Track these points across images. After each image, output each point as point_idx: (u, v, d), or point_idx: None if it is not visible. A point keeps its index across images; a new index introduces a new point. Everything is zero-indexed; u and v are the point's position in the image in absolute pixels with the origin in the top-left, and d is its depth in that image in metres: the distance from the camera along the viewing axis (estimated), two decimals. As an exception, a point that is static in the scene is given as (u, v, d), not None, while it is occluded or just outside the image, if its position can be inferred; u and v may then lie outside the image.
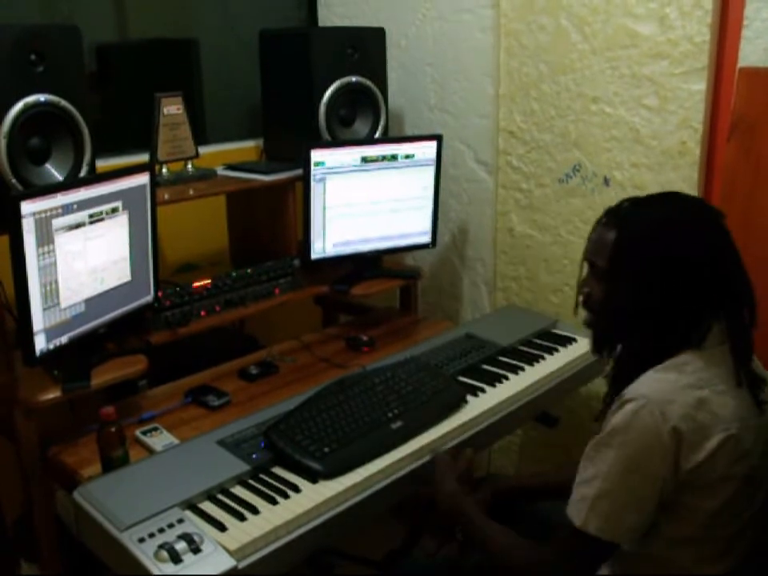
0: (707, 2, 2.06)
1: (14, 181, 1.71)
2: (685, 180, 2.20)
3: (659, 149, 2.23)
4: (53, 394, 1.74)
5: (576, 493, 1.36)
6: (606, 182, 2.37)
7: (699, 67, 2.12)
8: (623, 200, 1.46)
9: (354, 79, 2.45)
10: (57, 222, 1.66)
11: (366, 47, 2.47)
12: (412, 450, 1.73)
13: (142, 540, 1.38)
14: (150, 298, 2.02)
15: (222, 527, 1.45)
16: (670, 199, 1.44)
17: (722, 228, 1.38)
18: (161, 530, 1.41)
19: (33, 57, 1.73)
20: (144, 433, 1.82)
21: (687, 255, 1.34)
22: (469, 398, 1.94)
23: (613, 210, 1.45)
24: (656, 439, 1.27)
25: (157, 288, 2.03)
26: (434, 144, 2.46)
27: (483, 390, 2.00)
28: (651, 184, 2.26)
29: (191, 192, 2.21)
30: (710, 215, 1.39)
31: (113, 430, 1.64)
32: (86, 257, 1.77)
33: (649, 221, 1.39)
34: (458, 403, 1.91)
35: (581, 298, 1.53)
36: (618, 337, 1.47)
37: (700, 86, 2.13)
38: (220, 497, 1.55)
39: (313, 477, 1.61)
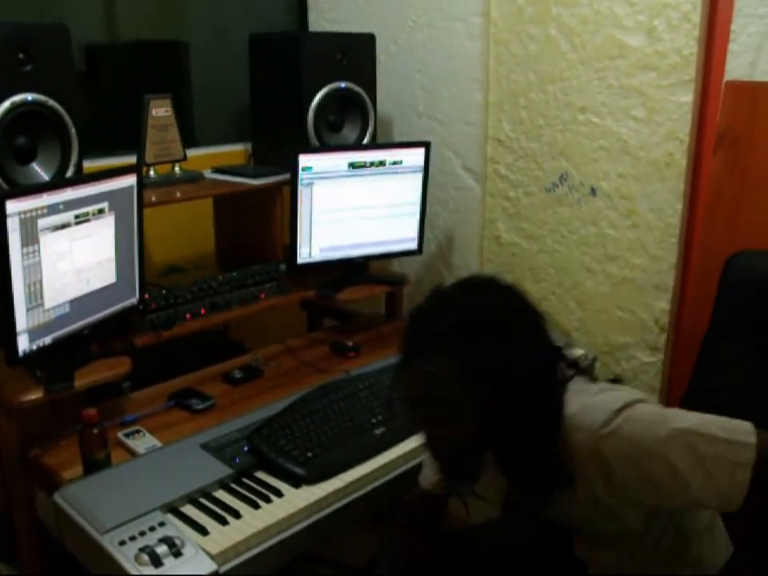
0: (695, 15, 2.07)
1: (-1, 180, 1.71)
2: (671, 191, 2.21)
3: (646, 159, 2.25)
4: (35, 395, 1.73)
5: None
6: (593, 191, 2.38)
7: (686, 79, 2.13)
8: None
9: (343, 85, 2.45)
10: (42, 222, 1.65)
11: (355, 53, 2.47)
12: (395, 456, 1.73)
13: (122, 543, 1.38)
14: (135, 300, 2.01)
15: (203, 531, 1.45)
16: None
17: None
18: (142, 534, 1.40)
19: (21, 55, 1.73)
20: (127, 435, 1.81)
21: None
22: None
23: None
24: None
25: (142, 290, 2.02)
26: (422, 151, 2.47)
27: (467, 397, 2.00)
28: (638, 195, 2.27)
29: (178, 194, 2.21)
30: None
31: (95, 431, 1.63)
32: (71, 257, 1.76)
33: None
34: (442, 410, 1.91)
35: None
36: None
37: (687, 98, 2.14)
38: (202, 500, 1.55)
39: (295, 481, 1.61)
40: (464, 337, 1.22)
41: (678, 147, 2.18)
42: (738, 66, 2.05)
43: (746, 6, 2.01)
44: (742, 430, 1.18)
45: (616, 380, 1.46)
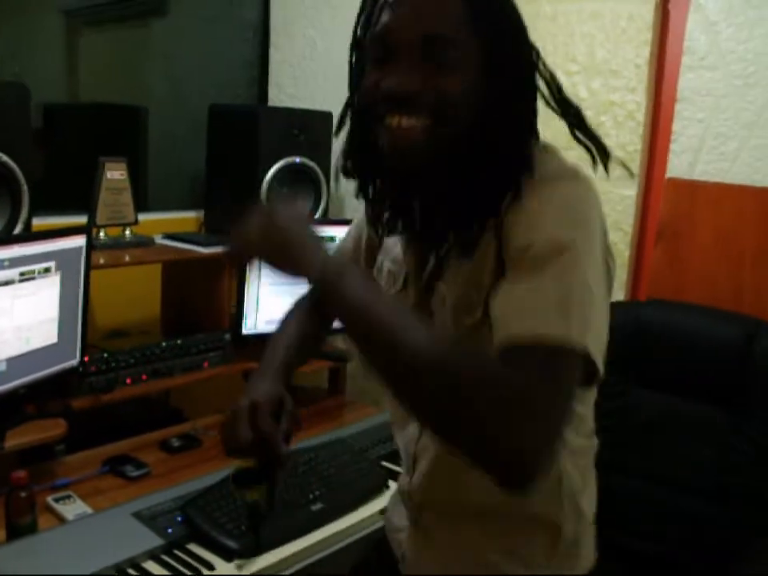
0: (639, 115, 2.17)
1: (-55, 233, 1.69)
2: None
3: (590, 249, 2.30)
4: (-37, 455, 1.68)
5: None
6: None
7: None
8: None
9: (298, 160, 2.49)
10: (-14, 278, 1.63)
11: (312, 129, 2.52)
12: (331, 533, 1.70)
13: (43, 613, 1.33)
14: (75, 361, 1.97)
15: (129, 603, 1.41)
16: None
17: None
18: (64, 604, 1.36)
19: (-23, 111, 1.73)
20: (56, 500, 1.76)
21: None
22: (390, 483, 1.93)
23: None
24: None
25: (83, 352, 1.99)
26: (373, 228, 2.50)
27: (406, 476, 1.99)
28: (581, 282, 2.33)
29: (127, 258, 2.20)
30: None
31: (23, 495, 1.58)
32: (12, 315, 1.74)
33: None
34: (379, 488, 1.90)
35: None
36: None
37: (631, 191, 2.22)
38: (130, 571, 1.51)
39: (228, 555, 1.58)
40: None
41: (621, 238, 2.25)
42: (678, 165, 2.15)
43: (686, 110, 2.12)
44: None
45: None
